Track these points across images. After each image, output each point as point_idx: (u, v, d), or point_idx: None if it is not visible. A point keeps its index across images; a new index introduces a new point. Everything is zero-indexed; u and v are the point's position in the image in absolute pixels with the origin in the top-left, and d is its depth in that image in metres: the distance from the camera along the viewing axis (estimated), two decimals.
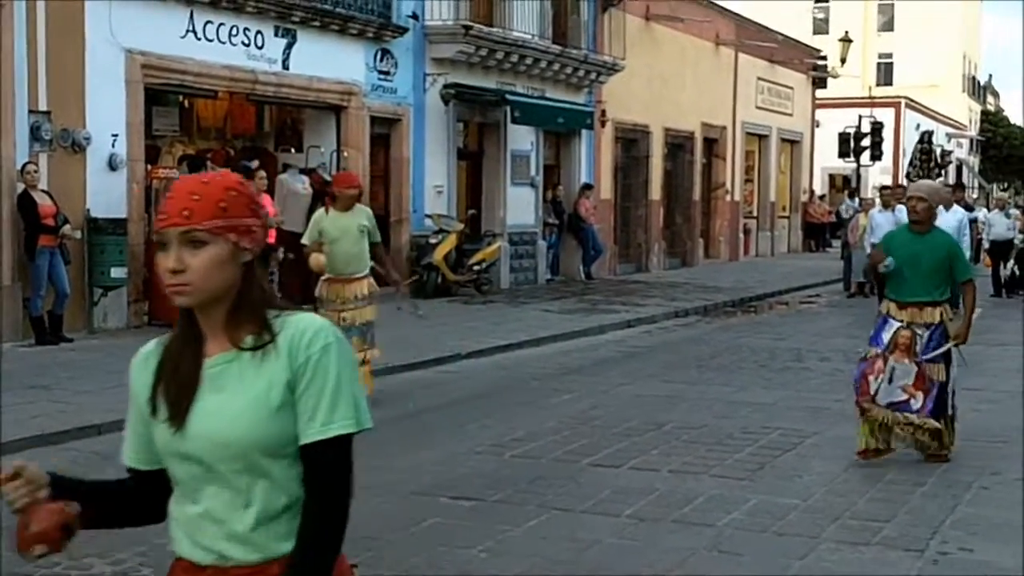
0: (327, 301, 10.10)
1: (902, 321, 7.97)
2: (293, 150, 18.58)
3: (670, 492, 7.31)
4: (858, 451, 8.11)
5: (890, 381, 7.88)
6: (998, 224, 22.11)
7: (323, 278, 10.20)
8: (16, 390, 10.15)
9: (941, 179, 26.69)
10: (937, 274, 7.99)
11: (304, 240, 10.50)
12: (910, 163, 32.40)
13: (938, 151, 50.61)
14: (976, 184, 60.20)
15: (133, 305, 14.59)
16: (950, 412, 8.05)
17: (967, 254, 17.89)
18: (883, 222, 17.26)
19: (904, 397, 7.88)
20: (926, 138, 30.87)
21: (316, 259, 10.51)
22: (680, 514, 6.81)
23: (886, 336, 7.99)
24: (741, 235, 32.76)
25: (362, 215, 10.21)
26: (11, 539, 2.34)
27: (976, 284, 8.37)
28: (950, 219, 16.65)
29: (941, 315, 8.00)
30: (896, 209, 17.30)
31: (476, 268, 20.04)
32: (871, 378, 7.95)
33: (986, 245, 22.21)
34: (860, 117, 36.23)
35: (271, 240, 14.64)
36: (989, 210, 27.74)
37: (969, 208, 21.24)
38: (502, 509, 6.89)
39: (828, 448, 8.66)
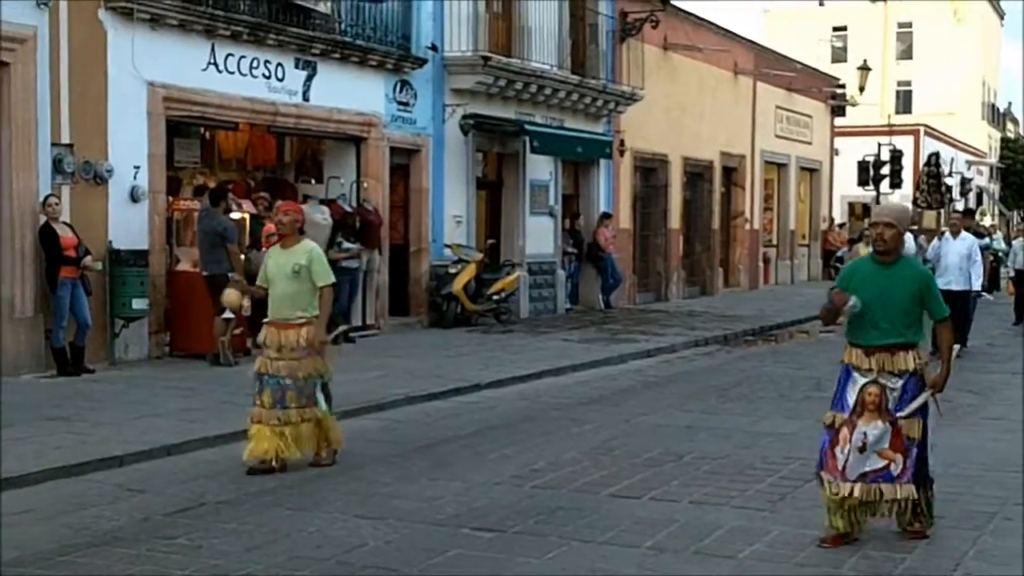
0: (265, 346, 9.02)
1: (870, 372, 6.74)
2: (313, 181, 18.65)
3: (691, 523, 7.28)
4: (820, 539, 6.78)
5: (861, 450, 6.65)
6: (1022, 252, 22.06)
7: (265, 320, 9.16)
8: (37, 421, 10.20)
9: (953, 205, 26.27)
10: (909, 312, 6.79)
11: (257, 281, 9.47)
12: (917, 188, 31.35)
13: (949, 174, 50.56)
14: (997, 211, 59.97)
15: (154, 336, 14.65)
16: (930, 477, 6.86)
17: (978, 283, 17.28)
18: None
19: (882, 464, 6.67)
20: (933, 161, 29.79)
21: (227, 295, 10.06)
22: (701, 546, 6.78)
23: (851, 396, 6.77)
24: (761, 264, 32.72)
25: (301, 253, 9.01)
26: None
27: (951, 324, 7.16)
28: (959, 246, 16.63)
29: (915, 360, 6.78)
30: None
31: (495, 298, 20.06)
32: (837, 450, 6.74)
33: (1011, 273, 22.28)
34: (879, 145, 36.20)
35: None
36: (1011, 237, 27.65)
37: (981, 235, 21.08)
38: (523, 540, 6.88)
39: None
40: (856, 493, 6.62)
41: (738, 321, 21.95)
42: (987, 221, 44.07)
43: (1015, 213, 67.66)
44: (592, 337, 18.63)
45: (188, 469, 8.91)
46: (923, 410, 6.76)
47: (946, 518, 7.44)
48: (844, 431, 6.71)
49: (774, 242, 34.22)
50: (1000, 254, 30.65)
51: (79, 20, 13.72)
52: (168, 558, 6.47)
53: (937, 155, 28.64)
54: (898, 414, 6.69)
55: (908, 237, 17.28)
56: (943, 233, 17.53)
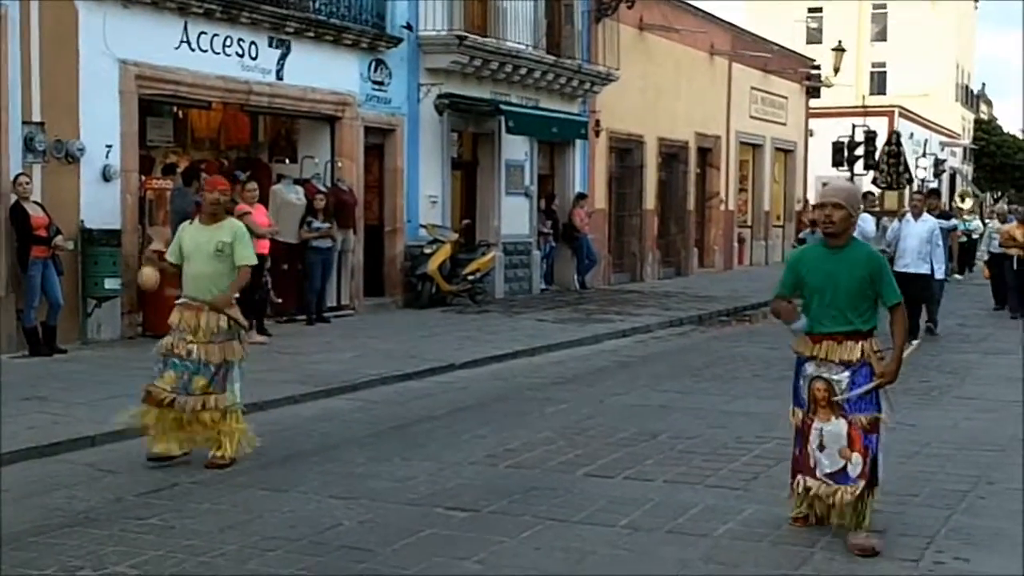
0: (175, 329, 8.38)
1: (814, 361, 6.41)
2: (287, 161, 18.57)
3: (665, 502, 7.29)
4: (792, 517, 6.71)
5: (821, 448, 6.37)
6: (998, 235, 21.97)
7: (177, 301, 8.58)
8: (10, 401, 10.12)
9: (913, 186, 25.18)
10: (858, 298, 6.38)
11: (167, 256, 8.94)
12: (876, 168, 29.38)
13: (923, 155, 50.67)
14: (971, 192, 60.24)
15: (127, 316, 14.57)
16: (878, 475, 6.43)
17: (943, 267, 16.75)
18: None
19: (841, 464, 6.32)
20: (894, 140, 28.31)
21: (144, 274, 9.26)
22: (675, 524, 6.80)
23: (805, 390, 6.50)
24: (735, 244, 32.81)
25: (226, 230, 8.52)
26: None
27: (905, 310, 6.60)
28: (920, 229, 16.16)
29: (864, 350, 6.34)
30: (858, 218, 16.94)
31: (470, 278, 20.03)
32: (808, 449, 6.47)
33: (986, 256, 22.13)
34: (853, 126, 36.31)
35: (264, 250, 14.65)
36: (985, 219, 27.65)
37: (948, 217, 20.23)
38: (497, 520, 6.87)
39: None
40: (821, 492, 6.39)
41: (713, 301, 22.00)
42: (968, 204, 44.01)
43: (987, 194, 68.07)
44: (567, 317, 18.64)
45: None
46: (876, 402, 6.36)
47: (919, 496, 7.49)
48: (806, 431, 6.48)
49: (749, 223, 34.31)
50: (974, 235, 30.82)
51: None
52: (141, 538, 6.44)
53: (898, 134, 27.64)
54: (836, 398, 6.31)
55: (868, 218, 16.83)
56: (904, 214, 17.07)
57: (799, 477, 6.53)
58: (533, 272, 23.06)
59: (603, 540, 6.49)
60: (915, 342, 6.81)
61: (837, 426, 6.31)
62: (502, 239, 21.86)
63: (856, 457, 6.27)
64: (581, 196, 24.28)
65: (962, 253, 29.64)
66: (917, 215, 16.47)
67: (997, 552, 6.34)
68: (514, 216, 22.37)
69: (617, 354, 15.16)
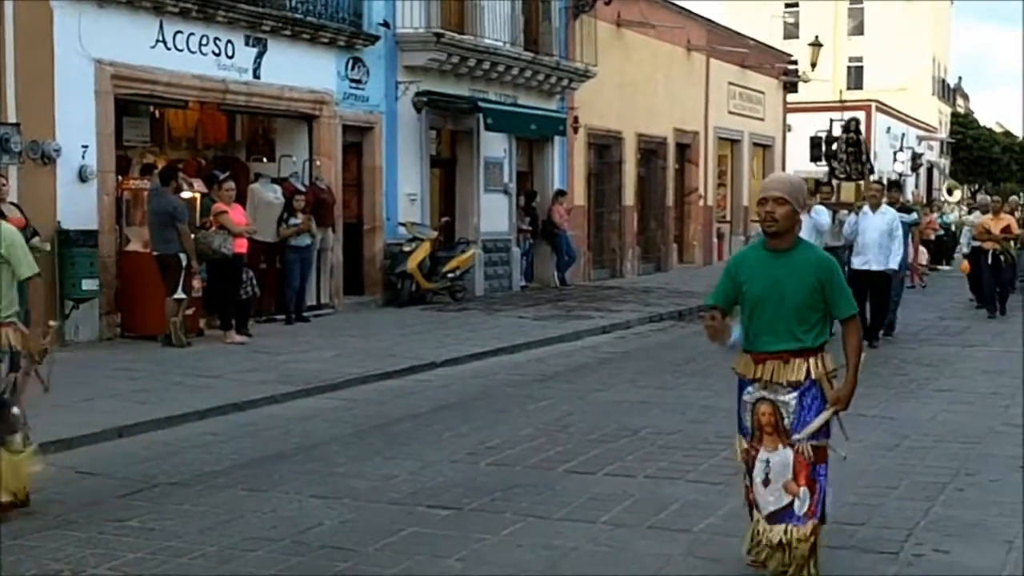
0: None
1: (759, 383, 5.54)
2: (265, 159, 18.51)
3: (646, 498, 7.30)
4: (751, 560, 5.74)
5: (766, 483, 5.48)
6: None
7: None
8: None
9: (874, 176, 23.68)
10: (806, 309, 5.48)
11: None
12: (834, 157, 26.58)
13: (900, 148, 50.78)
14: (947, 186, 60.51)
15: (105, 317, 14.50)
16: (826, 512, 5.64)
17: (896, 260, 15.13)
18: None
19: (787, 500, 5.44)
20: (852, 127, 26.38)
21: None
22: (656, 520, 6.80)
23: (747, 416, 5.60)
24: (715, 239, 32.85)
25: None
26: None
27: (859, 322, 5.73)
28: (879, 221, 14.93)
29: (811, 369, 5.47)
30: (812, 211, 14.86)
31: (450, 276, 20.01)
32: (752, 484, 5.59)
33: (966, 250, 21.03)
34: (831, 121, 36.33)
35: (242, 249, 14.62)
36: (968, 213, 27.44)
37: (908, 210, 18.77)
38: (478, 517, 6.87)
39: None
40: (772, 536, 5.48)
41: (692, 297, 22.03)
42: (956, 196, 43.99)
43: (964, 187, 68.36)
44: (547, 314, 18.64)
45: (140, 451, 8.82)
46: (826, 431, 5.53)
47: (898, 489, 7.52)
48: (751, 463, 5.57)
49: (728, 218, 34.36)
50: (952, 228, 30.95)
51: None
52: (120, 541, 6.41)
53: (856, 121, 26.41)
54: (795, 436, 5.45)
55: (823, 211, 15.52)
56: (860, 207, 15.69)
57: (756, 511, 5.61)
58: (513, 269, 23.05)
59: (584, 536, 6.49)
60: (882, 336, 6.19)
61: (784, 456, 5.46)
62: (481, 236, 21.85)
63: (803, 492, 5.42)
64: (560, 193, 24.28)
65: (939, 247, 29.79)
66: (875, 207, 15.16)
67: (976, 544, 6.37)
68: (493, 213, 22.36)
69: (597, 350, 15.17)
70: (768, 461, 5.49)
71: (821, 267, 5.53)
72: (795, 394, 5.46)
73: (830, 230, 15.58)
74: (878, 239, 14.83)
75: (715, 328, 5.58)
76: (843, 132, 24.42)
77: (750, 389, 5.58)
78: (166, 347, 13.72)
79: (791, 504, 5.42)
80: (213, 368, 12.39)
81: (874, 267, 14.83)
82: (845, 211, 16.91)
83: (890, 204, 15.96)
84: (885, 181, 23.59)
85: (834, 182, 22.96)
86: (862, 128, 36.03)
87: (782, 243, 5.55)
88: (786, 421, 5.45)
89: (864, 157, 26.47)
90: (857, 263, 14.94)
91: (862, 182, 22.17)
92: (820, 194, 17.20)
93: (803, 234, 15.09)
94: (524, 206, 23.76)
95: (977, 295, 20.39)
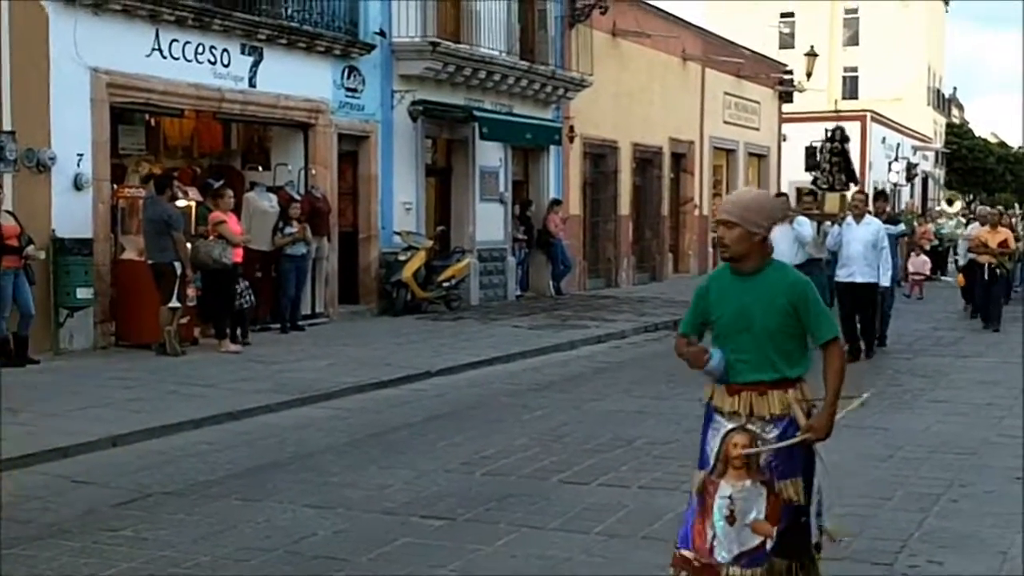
0: None
1: (734, 416, 5.02)
2: (260, 168, 18.51)
3: (640, 508, 7.30)
4: None
5: (731, 520, 4.89)
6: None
7: None
8: None
9: (855, 188, 23.20)
10: (781, 335, 4.99)
11: None
12: (817, 167, 27.06)
13: (896, 159, 50.79)
14: (941, 196, 60.65)
15: (100, 326, 14.48)
16: (814, 543, 5.11)
17: (889, 273, 14.93)
18: (778, 238, 15.12)
19: (757, 541, 4.89)
20: (837, 135, 26.14)
21: None
22: (650, 530, 6.80)
23: (713, 447, 5.03)
24: (710, 249, 32.84)
25: None
26: None
27: (842, 345, 5.16)
28: (863, 233, 14.56)
29: (795, 400, 4.98)
30: (795, 222, 14.64)
31: (445, 285, 20.01)
32: (707, 523, 4.97)
33: (962, 262, 20.87)
34: (826, 131, 36.40)
35: (238, 259, 14.62)
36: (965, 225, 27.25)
37: (896, 221, 18.27)
38: (473, 527, 6.87)
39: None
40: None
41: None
42: (956, 207, 43.94)
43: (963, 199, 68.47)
44: (542, 323, 18.64)
45: (134, 460, 8.81)
46: (806, 465, 5.00)
47: (893, 500, 7.53)
48: (707, 500, 4.99)
49: None
50: (947, 240, 30.95)
51: (20, 5, 13.51)
52: (114, 550, 6.40)
53: (841, 129, 26.00)
54: (747, 451, 4.92)
55: (805, 222, 15.05)
56: (844, 217, 15.37)
57: (680, 553, 5.04)
58: (508, 278, 23.05)
59: (578, 547, 6.49)
60: (864, 396, 5.32)
61: (753, 492, 4.89)
62: (477, 245, 21.85)
63: (775, 532, 4.89)
64: (555, 202, 24.29)
65: (935, 258, 29.82)
66: (859, 218, 14.82)
67: (971, 555, 6.37)
68: (489, 222, 22.36)
69: (592, 360, 15.17)
70: (731, 497, 4.88)
71: (793, 289, 5.01)
72: (777, 430, 4.95)
73: (813, 242, 15.23)
74: (862, 251, 14.51)
75: (692, 353, 5.20)
76: (826, 141, 24.04)
77: (718, 419, 5.07)
78: (161, 356, 13.70)
79: (762, 545, 4.89)
80: (207, 377, 12.38)
81: (858, 279, 14.52)
82: (829, 222, 16.52)
83: (877, 215, 15.58)
84: (871, 191, 22.92)
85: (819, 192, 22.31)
86: (861, 138, 35.60)
87: (746, 265, 5.04)
88: (761, 458, 4.91)
89: (850, 167, 25.96)
90: (842, 275, 14.72)
91: (847, 192, 21.74)
92: (802, 205, 16.93)
93: (785, 246, 14.87)
94: (519, 215, 23.77)
95: (971, 304, 20.13)
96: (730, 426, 4.98)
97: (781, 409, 4.96)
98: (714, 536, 4.90)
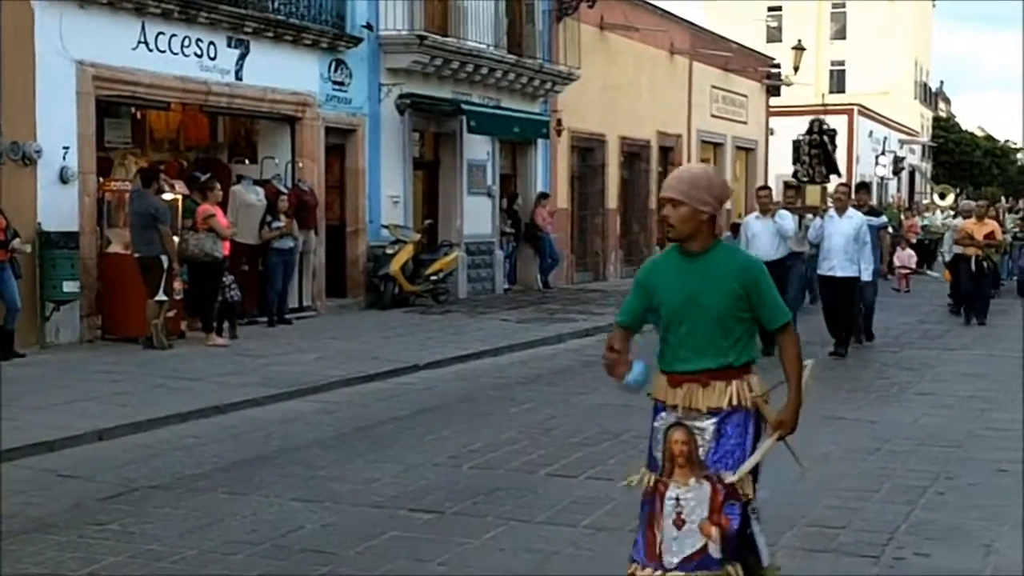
0: None
1: (673, 410, 4.77)
2: (247, 161, 18.46)
3: (627, 502, 7.25)
4: None
5: (679, 524, 4.59)
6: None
7: None
8: None
9: (837, 178, 22.66)
10: (729, 320, 4.69)
11: None
12: (797, 159, 25.27)
13: (883, 152, 50.90)
14: (928, 190, 60.83)
15: (86, 319, 14.44)
16: (759, 552, 4.75)
17: (871, 267, 14.68)
18: (760, 231, 14.53)
19: (701, 544, 4.56)
20: (816, 127, 25.46)
21: None
22: (637, 524, 6.78)
23: (658, 445, 4.77)
24: None
25: None
26: None
27: (796, 330, 4.96)
28: (845, 226, 14.34)
29: (734, 394, 4.69)
30: (776, 215, 14.66)
31: (433, 278, 19.99)
32: (657, 528, 4.66)
33: (947, 257, 20.68)
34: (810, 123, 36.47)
35: (225, 252, 14.58)
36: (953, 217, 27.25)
37: (877, 213, 17.93)
38: (460, 521, 6.86)
39: (783, 455, 8.66)
40: None
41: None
42: (948, 200, 44.01)
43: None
44: (530, 317, 18.64)
45: (120, 454, 8.78)
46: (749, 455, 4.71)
47: (879, 492, 7.54)
48: (657, 501, 4.69)
49: None
50: (932, 232, 31.03)
51: None
52: (100, 544, 6.38)
53: (821, 121, 25.68)
54: (729, 479, 4.60)
55: (787, 215, 14.91)
56: (826, 210, 15.32)
57: (636, 567, 4.74)
58: (496, 272, 23.05)
59: (566, 540, 6.49)
60: (809, 362, 4.88)
61: (700, 492, 4.59)
62: (464, 239, 21.83)
63: (715, 532, 4.55)
64: (543, 195, 24.28)
65: (921, 251, 29.90)
66: (842, 210, 14.67)
67: (956, 547, 6.39)
68: (476, 216, 22.35)
69: (581, 353, 15.17)
70: (678, 498, 4.60)
71: (745, 271, 4.73)
72: (713, 420, 4.66)
73: (795, 235, 15.09)
74: (843, 244, 14.33)
75: (613, 360, 4.85)
76: (806, 133, 23.75)
77: (663, 415, 4.81)
78: (147, 349, 13.66)
79: (705, 548, 4.55)
80: (194, 370, 12.35)
81: (839, 273, 14.38)
82: (811, 215, 16.41)
83: (858, 207, 15.44)
84: (855, 182, 22.47)
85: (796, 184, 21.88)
86: (848, 131, 35.60)
87: (693, 246, 4.73)
88: (701, 451, 4.63)
89: (830, 159, 25.63)
90: (823, 269, 14.62)
91: (828, 185, 21.52)
92: (784, 198, 16.80)
93: (766, 240, 14.73)
94: (507, 209, 23.76)
95: (956, 300, 19.73)
96: (669, 422, 4.73)
97: (718, 402, 4.68)
98: (662, 541, 4.62)
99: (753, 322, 4.76)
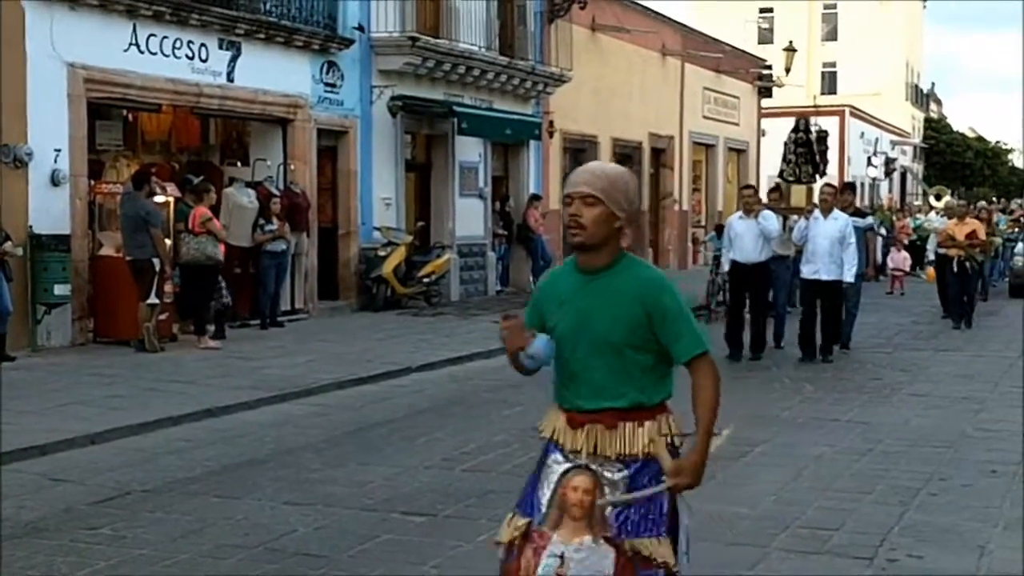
0: None
1: (575, 456, 3.90)
2: (239, 163, 18.44)
3: None
4: None
5: None
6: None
7: None
8: None
9: (825, 179, 22.53)
10: (634, 350, 3.90)
11: None
12: (783, 159, 24.29)
13: (875, 153, 50.97)
14: (920, 191, 60.95)
15: (78, 322, 14.40)
16: None
17: (851, 272, 14.01)
18: (743, 232, 14.28)
19: None
20: (802, 126, 25.14)
21: None
22: None
23: (546, 490, 3.92)
24: (690, 244, 32.93)
25: None
26: None
27: (716, 364, 4.05)
28: (830, 228, 13.93)
29: (653, 434, 3.90)
30: (761, 216, 14.26)
31: (426, 280, 19.98)
32: None
33: (931, 256, 20.55)
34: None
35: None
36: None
37: (863, 215, 17.60)
38: (453, 524, 6.85)
39: (777, 457, 8.68)
40: None
41: None
42: (944, 202, 44.02)
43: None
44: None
45: (112, 458, 8.76)
46: (672, 515, 3.94)
47: (872, 494, 7.55)
48: (528, 553, 3.80)
49: (702, 222, 34.44)
50: (922, 232, 31.04)
51: None
52: (92, 549, 6.35)
53: (806, 120, 25.45)
54: (598, 501, 3.77)
55: (771, 216, 14.50)
56: (811, 211, 14.75)
57: None
58: (488, 274, 23.04)
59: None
60: (726, 431, 4.09)
61: (596, 554, 3.72)
62: (457, 241, 21.83)
63: None
64: (535, 197, 24.27)
65: (913, 252, 29.92)
66: (827, 212, 14.22)
67: (950, 548, 6.40)
68: (468, 218, 22.34)
69: None
70: (563, 556, 3.71)
71: (648, 291, 3.91)
72: (625, 473, 3.86)
73: (779, 237, 14.83)
74: (828, 247, 13.94)
75: (512, 329, 3.96)
76: (792, 132, 23.62)
77: (558, 456, 3.97)
78: (139, 352, 13.64)
79: None
80: (186, 374, 12.33)
81: (824, 276, 13.97)
82: (795, 216, 16.04)
83: (843, 208, 15.05)
84: (838, 184, 22.20)
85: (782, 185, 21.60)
86: (840, 133, 35.65)
87: (596, 260, 3.94)
88: (608, 509, 3.79)
89: (815, 159, 25.39)
90: (807, 272, 14.22)
91: (813, 185, 21.39)
92: (769, 199, 16.47)
93: (750, 241, 14.53)
94: (499, 210, 23.76)
95: (944, 305, 19.35)
96: (570, 465, 3.85)
97: (631, 448, 3.87)
98: None
99: (661, 351, 3.93)
